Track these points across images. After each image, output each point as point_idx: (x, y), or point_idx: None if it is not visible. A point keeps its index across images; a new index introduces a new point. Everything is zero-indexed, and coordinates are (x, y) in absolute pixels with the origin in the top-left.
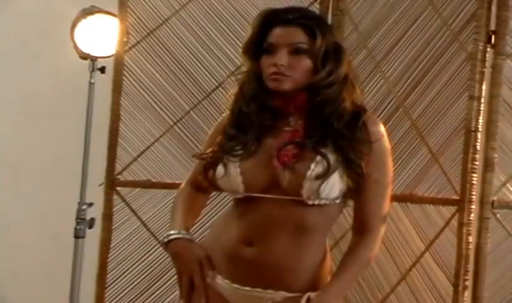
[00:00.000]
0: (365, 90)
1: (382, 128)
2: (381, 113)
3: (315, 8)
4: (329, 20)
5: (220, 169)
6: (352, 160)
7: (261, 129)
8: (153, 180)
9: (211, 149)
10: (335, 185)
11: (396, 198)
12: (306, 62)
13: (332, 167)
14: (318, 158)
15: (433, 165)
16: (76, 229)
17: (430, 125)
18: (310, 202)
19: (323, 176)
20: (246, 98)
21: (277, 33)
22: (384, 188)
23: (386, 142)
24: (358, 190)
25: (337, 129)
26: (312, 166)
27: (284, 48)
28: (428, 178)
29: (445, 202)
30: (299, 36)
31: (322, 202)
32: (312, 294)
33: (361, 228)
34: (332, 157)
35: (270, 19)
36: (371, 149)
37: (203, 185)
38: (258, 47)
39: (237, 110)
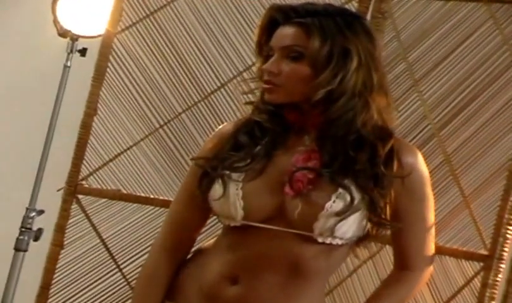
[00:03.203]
0: (396, 111)
1: (418, 156)
2: (411, 141)
3: (351, 7)
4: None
5: (217, 188)
6: (376, 202)
7: (273, 144)
8: (124, 191)
9: (212, 155)
10: (354, 225)
11: None
12: (301, 69)
13: (356, 206)
14: (341, 190)
15: (463, 210)
16: (17, 240)
17: (466, 162)
18: (320, 240)
19: (344, 212)
20: (258, 106)
21: (276, 34)
22: (426, 222)
23: (423, 170)
24: (375, 237)
25: (357, 160)
26: (333, 197)
27: (277, 52)
28: (454, 226)
29: (470, 256)
30: (295, 38)
31: (335, 242)
32: None
33: (403, 265)
34: (357, 195)
35: (275, 17)
36: (403, 182)
37: (183, 240)
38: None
39: (252, 119)
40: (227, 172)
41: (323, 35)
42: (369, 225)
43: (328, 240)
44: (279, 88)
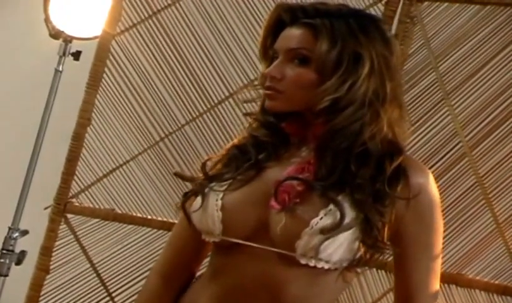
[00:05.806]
0: (425, 126)
1: (429, 177)
2: (439, 160)
3: (377, 10)
4: (394, 27)
5: (198, 200)
6: (372, 223)
7: (267, 157)
8: (119, 210)
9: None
10: (342, 246)
11: None
12: (307, 75)
13: (346, 224)
14: (332, 206)
15: (496, 239)
16: None
17: (500, 186)
18: (303, 262)
19: (331, 230)
20: (258, 117)
21: (281, 36)
22: (431, 250)
23: (433, 193)
24: (370, 261)
25: (356, 175)
26: (321, 213)
27: (282, 55)
28: (485, 256)
29: (503, 291)
30: (301, 40)
31: (320, 265)
32: None
33: (402, 298)
34: (350, 212)
35: (282, 17)
36: (409, 204)
37: (180, 268)
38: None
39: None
40: (211, 184)
41: (332, 38)
42: (362, 248)
43: (312, 263)
44: (280, 95)
